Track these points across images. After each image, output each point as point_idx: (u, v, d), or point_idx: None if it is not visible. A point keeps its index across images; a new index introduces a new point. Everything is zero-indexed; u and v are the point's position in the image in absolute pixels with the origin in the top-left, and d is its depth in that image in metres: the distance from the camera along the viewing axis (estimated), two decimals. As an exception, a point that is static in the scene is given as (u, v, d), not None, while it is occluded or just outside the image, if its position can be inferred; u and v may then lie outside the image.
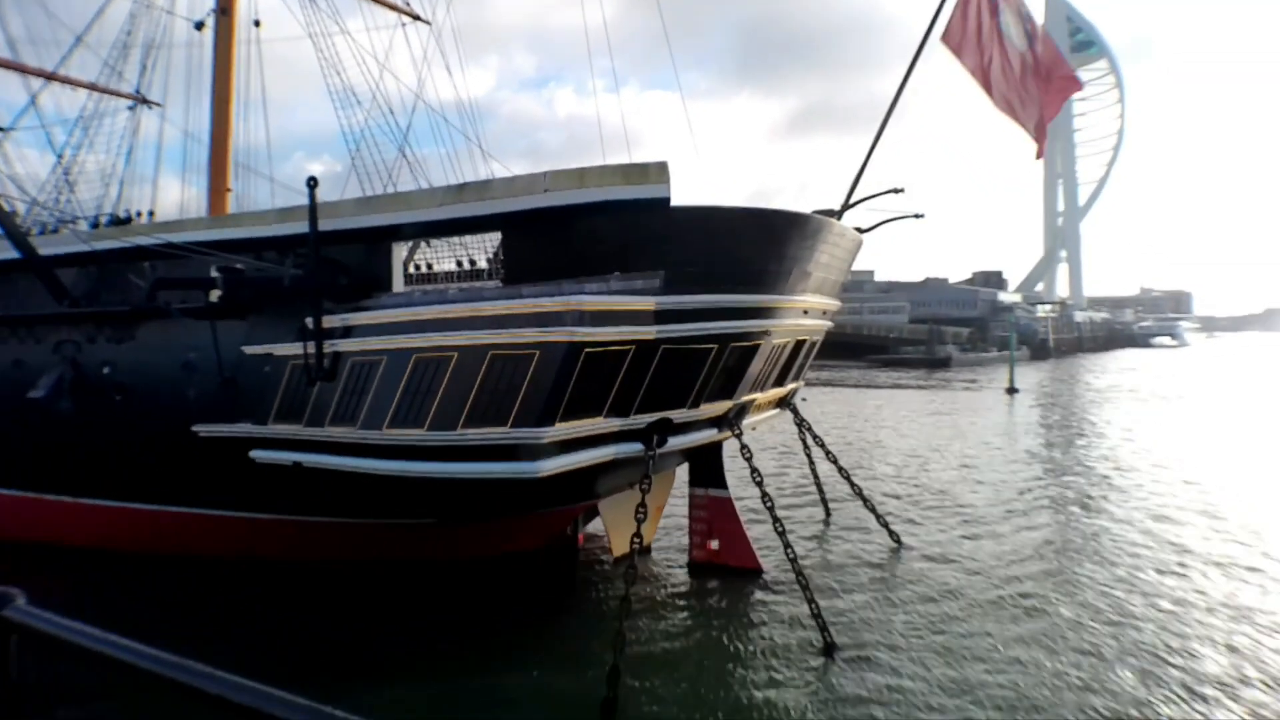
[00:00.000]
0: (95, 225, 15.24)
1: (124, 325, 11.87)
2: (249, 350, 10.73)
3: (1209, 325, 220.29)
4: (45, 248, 12.57)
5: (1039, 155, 13.56)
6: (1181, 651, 9.48)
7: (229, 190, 17.11)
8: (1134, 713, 8.05)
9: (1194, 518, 15.89)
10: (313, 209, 9.89)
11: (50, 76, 20.04)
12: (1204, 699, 8.33)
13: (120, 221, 15.16)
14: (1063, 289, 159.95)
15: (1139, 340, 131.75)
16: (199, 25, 17.90)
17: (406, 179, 18.19)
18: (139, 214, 16.74)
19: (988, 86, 12.95)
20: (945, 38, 12.78)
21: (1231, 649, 9.55)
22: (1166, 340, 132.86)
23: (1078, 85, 13.79)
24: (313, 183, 9.89)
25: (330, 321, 10.05)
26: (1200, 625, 10.28)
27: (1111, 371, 67.60)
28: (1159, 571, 12.49)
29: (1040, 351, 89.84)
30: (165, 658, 1.70)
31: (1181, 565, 12.80)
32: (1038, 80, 13.01)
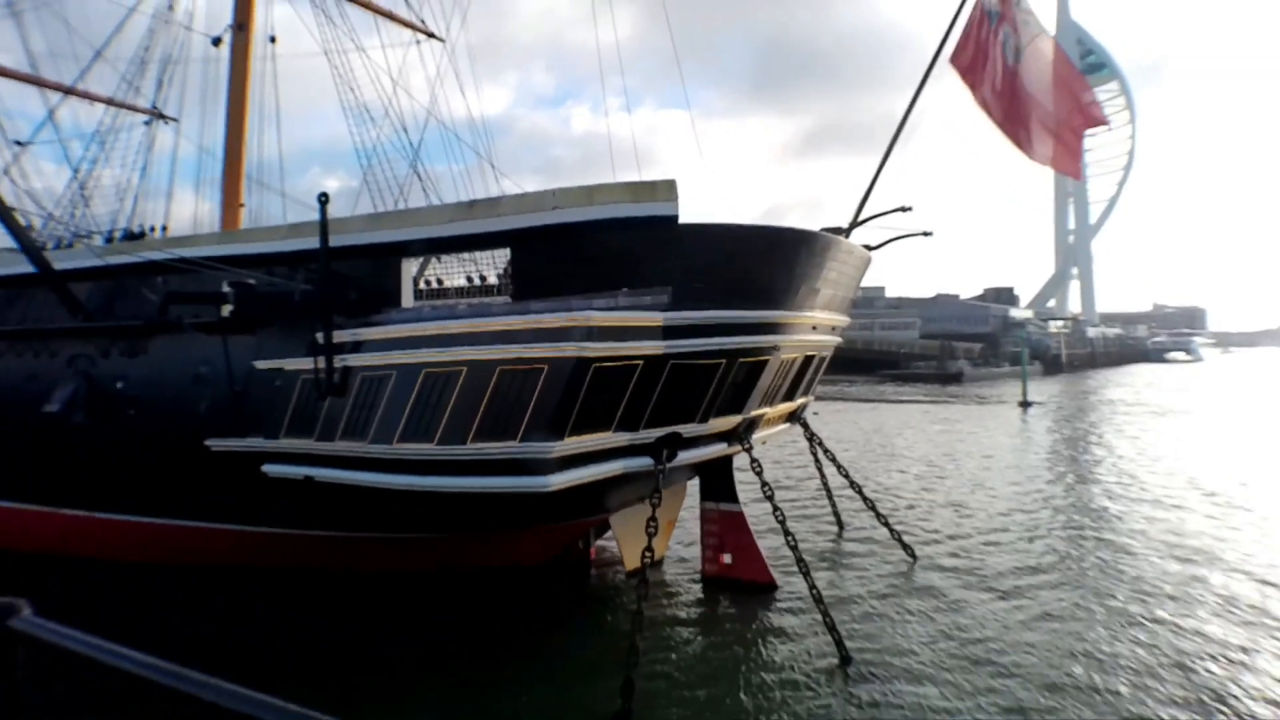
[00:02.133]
0: (109, 240, 15.40)
1: (136, 339, 11.97)
2: (260, 365, 10.80)
3: (1223, 340, 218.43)
4: (60, 262, 12.70)
5: (1073, 175, 13.50)
6: (1200, 659, 9.34)
7: (242, 205, 17.26)
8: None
9: (1209, 529, 15.68)
10: (323, 224, 9.97)
11: (69, 91, 20.32)
12: (1210, 702, 8.21)
13: (134, 236, 15.32)
14: (1075, 305, 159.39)
15: (1152, 355, 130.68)
16: (216, 41, 18.13)
17: (418, 195, 18.33)
18: (153, 228, 16.91)
19: (989, 109, 12.98)
20: (953, 59, 12.84)
21: (1245, 653, 9.41)
22: (1181, 355, 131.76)
23: (1102, 119, 13.79)
24: (323, 199, 9.98)
25: (340, 336, 10.11)
26: (1215, 632, 10.14)
27: (1125, 385, 67.07)
28: (1176, 583, 12.31)
29: (1053, 367, 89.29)
30: (168, 668, 1.71)
31: (1200, 577, 12.63)
32: (1058, 99, 13.00)
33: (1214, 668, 9.40)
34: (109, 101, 20.19)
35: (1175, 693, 8.76)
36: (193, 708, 1.66)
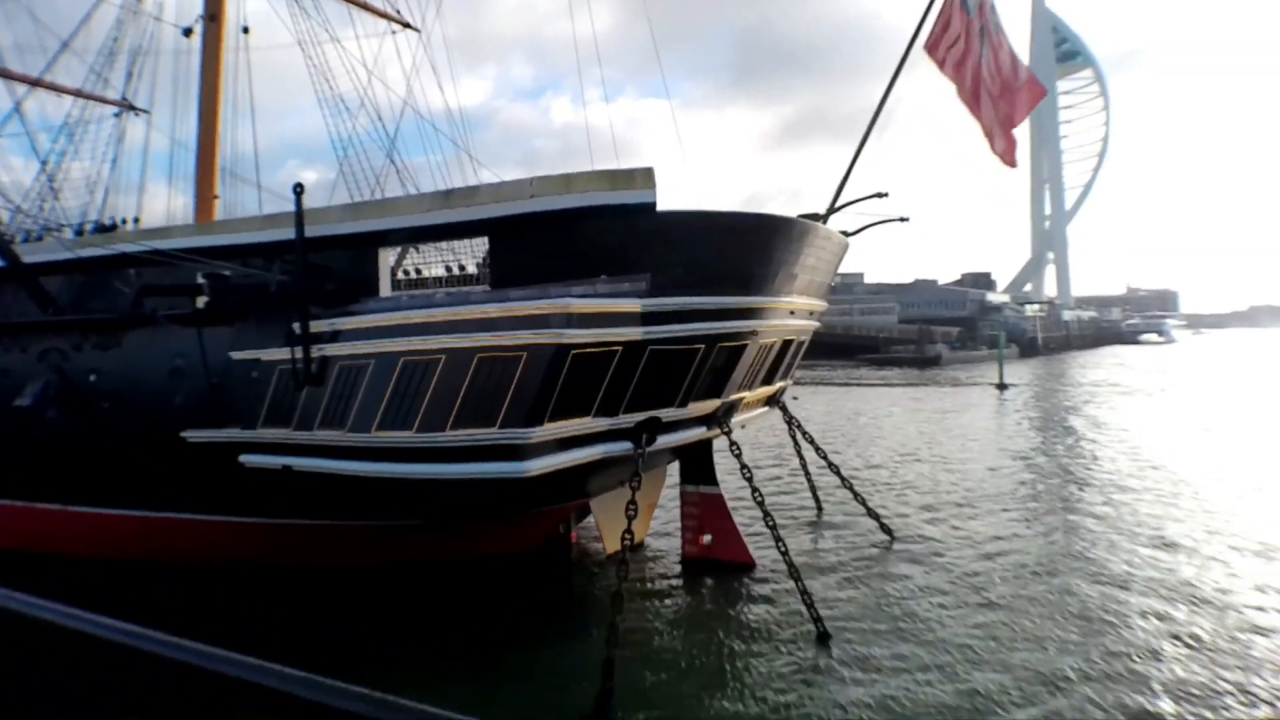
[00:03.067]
0: (80, 233, 15.20)
1: (110, 333, 11.86)
2: (236, 356, 10.75)
3: (1195, 322, 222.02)
4: (29, 255, 12.54)
5: (1010, 164, 13.63)
6: (1170, 636, 9.60)
7: (216, 198, 17.09)
8: (1126, 701, 8.15)
9: (1177, 505, 16.04)
10: (299, 215, 9.93)
11: (35, 83, 19.97)
12: (1189, 684, 8.45)
13: (105, 229, 15.12)
14: (1050, 289, 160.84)
15: (1126, 337, 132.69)
16: (187, 32, 17.89)
17: (395, 187, 18.21)
18: (124, 221, 16.71)
19: (964, 96, 13.10)
20: (928, 47, 12.93)
21: (1216, 631, 9.69)
22: (1153, 337, 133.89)
23: (1042, 91, 13.93)
24: (299, 189, 9.94)
25: (318, 326, 10.08)
26: (1181, 610, 10.41)
27: (1098, 367, 68.05)
28: (1147, 560, 12.60)
29: (1029, 349, 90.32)
30: (132, 629, 1.69)
31: (1168, 551, 12.94)
32: (1003, 89, 13.15)
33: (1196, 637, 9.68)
34: (77, 93, 19.87)
35: (1155, 671, 9.01)
36: (194, 682, 1.66)
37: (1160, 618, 10.32)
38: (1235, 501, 16.67)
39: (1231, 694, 8.25)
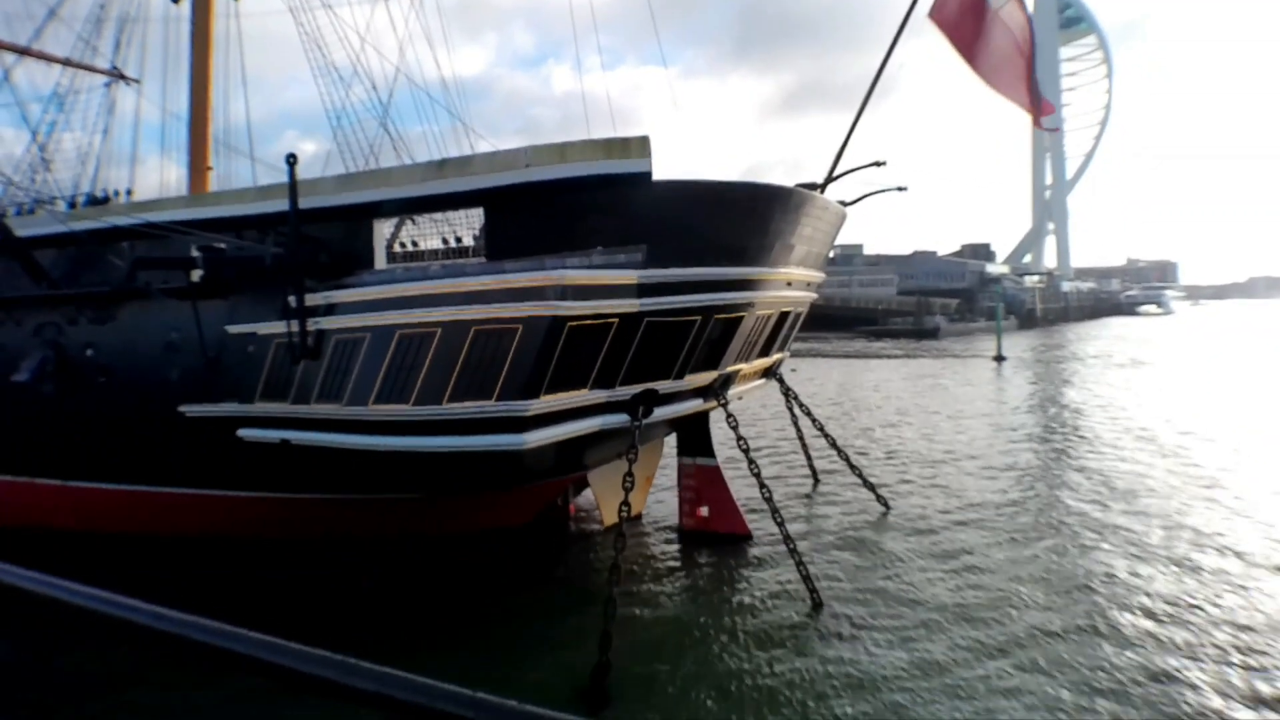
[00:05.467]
0: (72, 205, 15.07)
1: (105, 307, 11.80)
2: (232, 330, 10.70)
3: (1194, 294, 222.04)
4: (22, 229, 12.44)
5: (1036, 123, 13.53)
6: (1167, 606, 9.71)
7: (210, 169, 16.92)
8: (1118, 674, 8.25)
9: (1170, 474, 16.16)
10: (293, 187, 9.83)
11: (24, 51, 19.66)
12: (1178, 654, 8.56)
13: (98, 201, 14.98)
14: (1050, 260, 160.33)
15: (1125, 309, 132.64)
16: None
17: (390, 158, 18.02)
18: (116, 193, 16.55)
19: (973, 60, 12.93)
20: (932, 13, 12.74)
21: (1200, 592, 9.80)
22: (1152, 309, 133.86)
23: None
24: (292, 160, 9.82)
25: (313, 299, 10.03)
26: (1175, 575, 10.53)
27: (1096, 339, 68.10)
28: (1144, 530, 12.70)
29: (1028, 321, 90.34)
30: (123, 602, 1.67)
31: (1164, 523, 13.04)
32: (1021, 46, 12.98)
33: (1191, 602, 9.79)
34: (65, 62, 19.56)
35: (1155, 640, 9.12)
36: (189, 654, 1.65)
37: (1139, 576, 10.61)
38: (1220, 471, 16.92)
39: (1202, 647, 8.37)
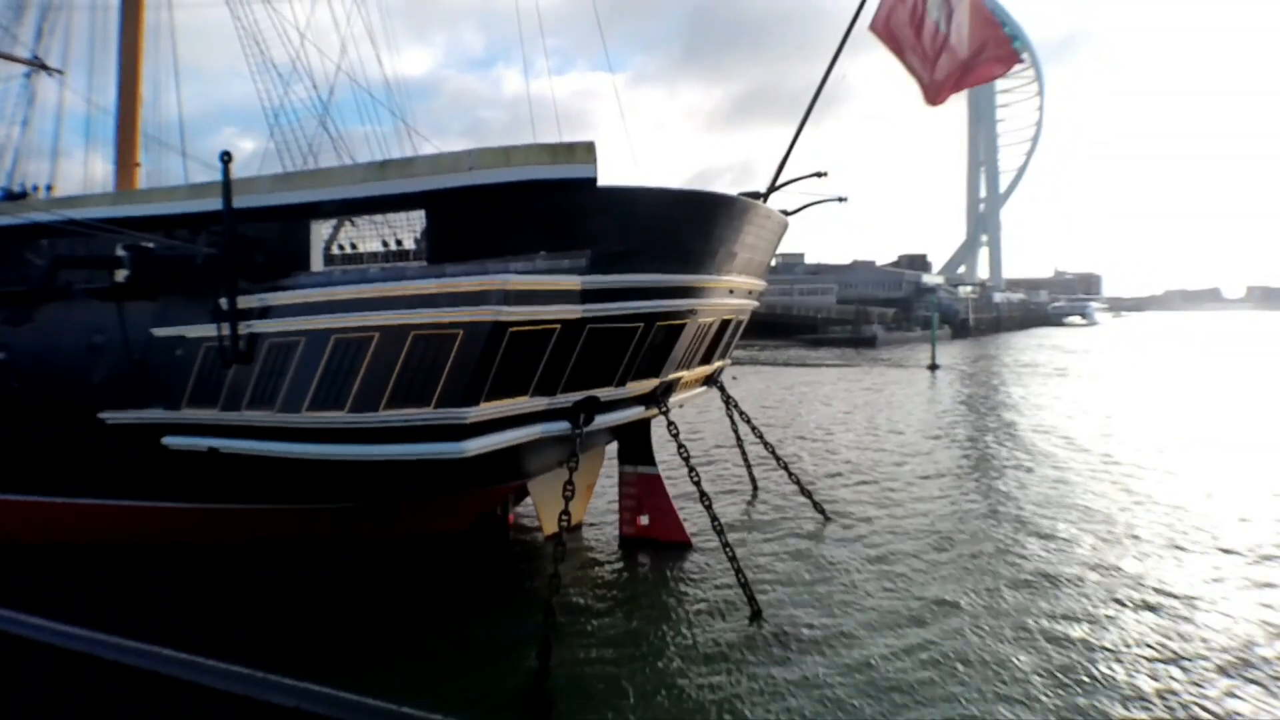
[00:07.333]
0: (-12, 200, 14.34)
1: (21, 307, 11.26)
2: (159, 333, 10.33)
3: (1116, 305, 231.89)
4: (-68, 224, 11.79)
5: (931, 104, 13.54)
6: (1104, 605, 10.08)
7: (138, 165, 16.31)
8: (1057, 675, 8.52)
9: (1093, 474, 16.83)
10: (226, 185, 9.56)
11: (-65, 39, 18.65)
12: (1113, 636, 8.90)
13: (15, 196, 14.31)
14: (983, 271, 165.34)
15: (1053, 319, 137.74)
16: (102, -12, 16.95)
17: (330, 157, 17.61)
18: (35, 188, 15.82)
19: (918, 74, 13.21)
20: (873, 26, 13.03)
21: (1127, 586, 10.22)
22: (1078, 319, 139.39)
23: (1014, 58, 14.17)
24: (226, 157, 9.55)
25: (246, 302, 9.75)
26: (1098, 572, 10.94)
27: (1024, 349, 70.53)
28: (1073, 531, 13.17)
29: (961, 330, 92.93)
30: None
31: (1086, 518, 13.56)
32: (962, 51, 13.23)
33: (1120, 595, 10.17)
34: (-19, 50, 18.63)
35: (1091, 643, 9.45)
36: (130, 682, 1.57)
37: (1055, 564, 10.89)
38: (1142, 471, 17.90)
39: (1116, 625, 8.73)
